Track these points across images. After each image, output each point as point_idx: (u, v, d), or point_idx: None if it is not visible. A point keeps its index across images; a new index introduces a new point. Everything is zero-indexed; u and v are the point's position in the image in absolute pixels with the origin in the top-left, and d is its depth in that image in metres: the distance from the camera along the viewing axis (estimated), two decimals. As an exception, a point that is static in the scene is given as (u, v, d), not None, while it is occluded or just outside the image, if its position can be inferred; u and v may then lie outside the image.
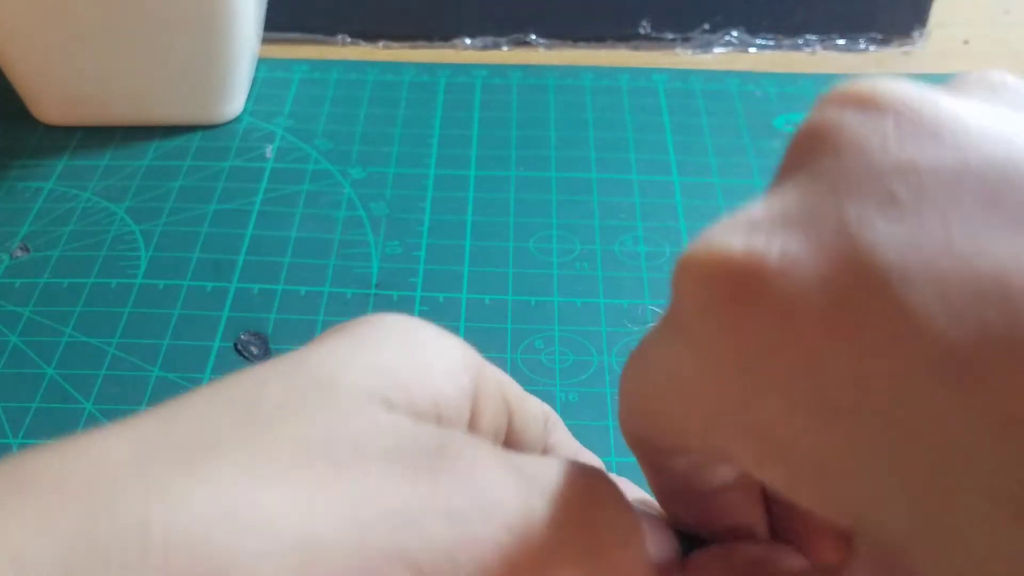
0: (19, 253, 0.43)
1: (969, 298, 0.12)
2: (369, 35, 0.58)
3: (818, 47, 0.58)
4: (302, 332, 0.39)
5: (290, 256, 0.43)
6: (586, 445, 0.25)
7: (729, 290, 0.15)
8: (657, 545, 0.20)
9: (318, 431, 0.16)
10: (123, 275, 0.42)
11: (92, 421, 0.36)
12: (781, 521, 0.22)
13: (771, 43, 0.58)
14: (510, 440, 0.23)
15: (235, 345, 0.39)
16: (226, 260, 0.43)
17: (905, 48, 0.58)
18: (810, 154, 0.16)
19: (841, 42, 0.58)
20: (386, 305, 0.41)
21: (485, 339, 0.39)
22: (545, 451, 0.24)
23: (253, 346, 0.39)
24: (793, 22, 0.58)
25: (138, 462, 0.15)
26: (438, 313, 0.40)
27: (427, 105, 0.53)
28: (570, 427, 0.25)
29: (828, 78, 0.55)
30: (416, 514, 0.16)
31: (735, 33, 0.58)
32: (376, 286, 0.42)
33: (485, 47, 0.58)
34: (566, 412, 0.36)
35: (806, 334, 0.14)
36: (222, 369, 0.38)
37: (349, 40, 0.58)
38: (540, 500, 0.18)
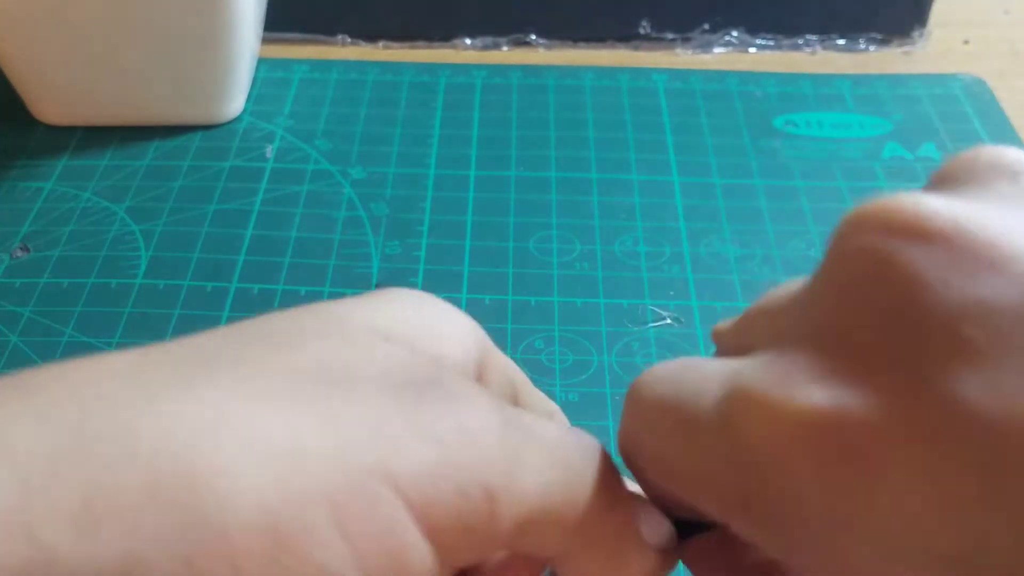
0: (19, 253, 0.43)
1: None
2: (369, 35, 0.58)
3: (818, 47, 0.58)
4: (302, 332, 0.39)
5: (290, 256, 0.43)
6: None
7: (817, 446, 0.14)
8: (652, 528, 0.20)
9: (313, 355, 0.17)
10: (123, 275, 0.42)
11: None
12: None
13: (771, 43, 0.58)
14: None
15: (235, 345, 0.39)
16: (226, 260, 0.43)
17: (905, 48, 0.58)
18: (861, 287, 0.15)
19: (841, 42, 0.58)
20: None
21: (485, 339, 0.39)
22: None
23: (253, 346, 0.39)
24: (793, 22, 0.58)
25: (134, 373, 0.16)
26: (438, 313, 0.40)
27: (427, 105, 0.53)
28: None
29: (828, 78, 0.55)
30: (399, 435, 0.16)
31: (735, 33, 0.58)
32: (376, 286, 0.42)
33: (485, 47, 0.58)
34: (566, 412, 0.36)
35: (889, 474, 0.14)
36: (222, 369, 0.38)
37: (349, 40, 0.58)
38: (528, 447, 0.18)
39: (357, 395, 0.16)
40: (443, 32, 0.58)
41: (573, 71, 0.56)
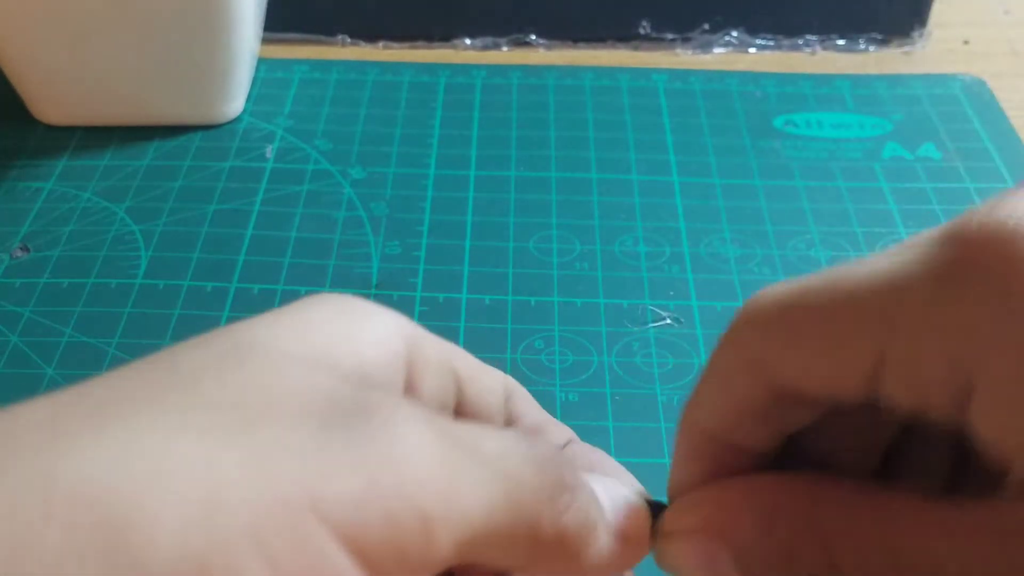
0: (19, 253, 0.43)
1: None
2: (369, 35, 0.58)
3: (818, 47, 0.58)
4: (302, 332, 0.39)
5: (290, 256, 0.43)
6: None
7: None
8: (625, 515, 0.20)
9: (231, 388, 0.16)
10: (123, 275, 0.42)
11: (92, 421, 0.36)
12: None
13: (771, 43, 0.58)
14: (463, 412, 0.22)
15: (235, 345, 0.39)
16: (226, 260, 0.43)
17: (905, 48, 0.58)
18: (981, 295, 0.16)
19: (841, 42, 0.58)
20: (386, 305, 0.41)
21: (485, 339, 0.39)
22: (508, 422, 0.24)
23: (253, 346, 0.39)
24: (793, 22, 0.58)
25: (50, 420, 0.15)
26: (438, 313, 0.40)
27: (427, 105, 0.53)
28: (570, 427, 0.25)
29: (828, 78, 0.55)
30: (324, 464, 0.16)
31: (735, 33, 0.58)
32: (376, 286, 0.42)
33: (485, 47, 0.58)
34: (566, 412, 0.36)
35: None
36: (222, 369, 0.38)
37: (349, 40, 0.58)
38: (468, 462, 0.17)
39: (280, 426, 0.16)
40: (443, 32, 0.58)
41: (573, 71, 0.56)
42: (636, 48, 0.58)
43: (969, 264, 0.17)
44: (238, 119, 0.51)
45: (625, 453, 0.35)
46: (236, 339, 0.18)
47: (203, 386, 0.16)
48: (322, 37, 0.58)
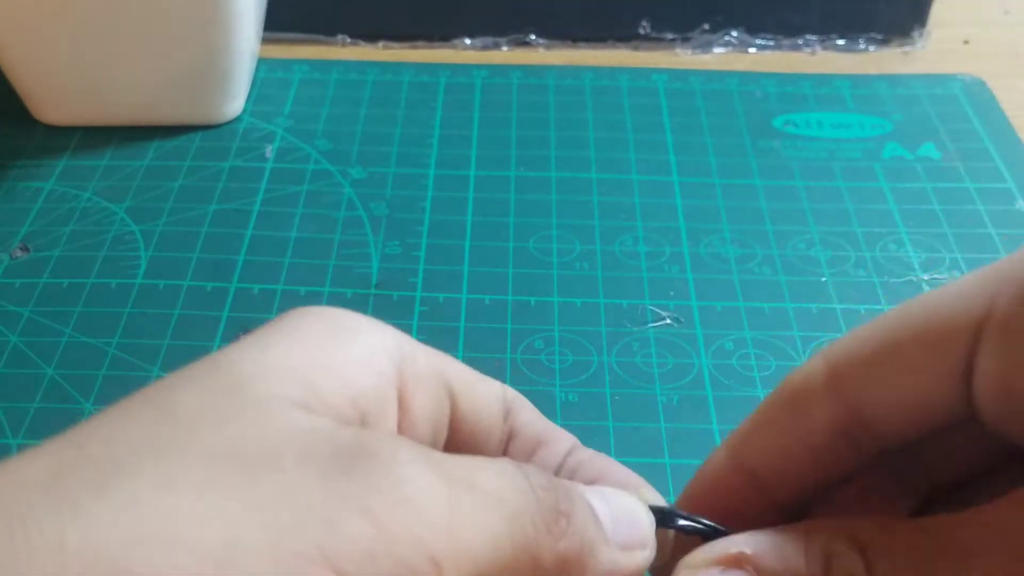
0: (19, 253, 0.43)
1: None
2: (369, 35, 0.58)
3: (818, 47, 0.58)
4: (302, 332, 0.39)
5: (290, 256, 0.43)
6: (587, 447, 0.25)
7: None
8: (627, 525, 0.20)
9: (230, 439, 0.16)
10: (123, 275, 0.42)
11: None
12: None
13: (771, 43, 0.58)
14: (458, 427, 0.22)
15: (235, 345, 0.39)
16: (226, 260, 0.43)
17: (905, 48, 0.58)
18: None
19: (841, 42, 0.58)
20: (386, 305, 0.41)
21: (485, 339, 0.39)
22: (507, 434, 0.23)
23: (253, 346, 0.39)
24: (793, 22, 0.58)
25: (53, 481, 0.15)
26: (438, 313, 0.40)
27: (427, 105, 0.53)
28: (570, 428, 0.25)
29: (828, 78, 0.55)
30: (333, 514, 0.16)
31: (735, 33, 0.58)
32: (376, 286, 0.42)
33: (485, 47, 0.58)
34: (566, 412, 0.36)
35: None
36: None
37: (349, 40, 0.58)
38: (468, 500, 0.17)
39: (283, 477, 0.16)
40: (443, 32, 0.58)
41: (573, 71, 0.56)
42: (636, 48, 0.58)
43: None
44: (238, 119, 0.51)
45: (625, 453, 0.35)
46: (225, 381, 0.18)
47: (202, 436, 0.16)
48: (322, 37, 0.58)
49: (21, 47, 0.47)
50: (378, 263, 0.43)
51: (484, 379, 0.23)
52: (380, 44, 0.58)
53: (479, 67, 0.56)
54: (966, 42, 0.59)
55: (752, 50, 0.58)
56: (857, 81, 0.55)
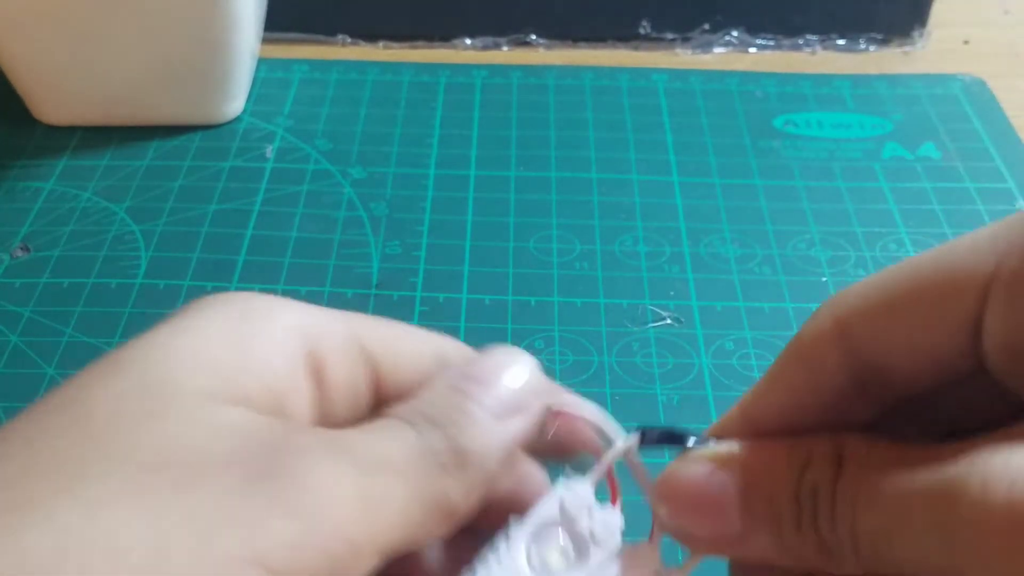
0: (19, 253, 0.43)
1: None
2: (369, 35, 0.58)
3: (818, 47, 0.58)
4: (302, 332, 0.39)
5: (290, 256, 0.43)
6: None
7: None
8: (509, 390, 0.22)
9: (151, 446, 0.17)
10: (123, 275, 0.42)
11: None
12: None
13: (771, 43, 0.58)
14: (385, 388, 0.23)
15: (235, 345, 0.39)
16: (226, 260, 0.43)
17: (905, 48, 0.58)
18: None
19: (841, 42, 0.58)
20: (386, 305, 0.41)
21: (485, 339, 0.39)
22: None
23: (253, 346, 0.39)
24: (793, 22, 0.58)
25: None
26: (438, 313, 0.40)
27: (427, 105, 0.53)
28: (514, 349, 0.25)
29: (828, 78, 0.55)
30: (257, 514, 0.16)
31: (735, 33, 0.58)
32: (376, 286, 0.42)
33: (485, 47, 0.58)
34: (566, 412, 0.36)
35: None
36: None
37: (349, 40, 0.58)
38: (382, 485, 0.18)
39: (208, 480, 0.16)
40: (443, 32, 0.58)
41: (573, 71, 0.56)
42: (636, 48, 0.58)
43: None
44: (238, 119, 0.51)
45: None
46: (144, 375, 0.18)
47: (121, 443, 0.16)
48: (322, 37, 0.58)
49: (22, 47, 0.47)
50: (378, 263, 0.43)
51: (415, 337, 0.24)
52: (380, 44, 0.58)
53: (479, 67, 0.56)
54: (966, 42, 0.59)
55: (752, 50, 0.58)
56: (857, 81, 0.55)
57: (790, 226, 0.45)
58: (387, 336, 0.23)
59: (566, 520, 0.23)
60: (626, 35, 0.58)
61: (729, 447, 0.21)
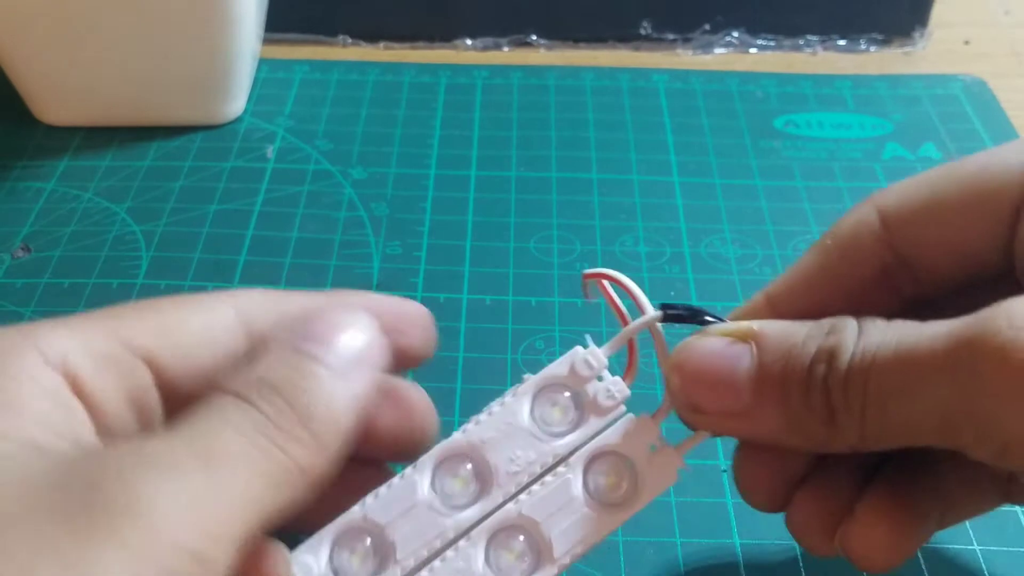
0: (20, 253, 0.43)
1: None
2: (370, 36, 0.58)
3: (819, 47, 0.58)
4: (303, 332, 0.39)
5: (291, 256, 0.43)
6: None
7: None
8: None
9: None
10: (124, 275, 0.42)
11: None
12: None
13: (772, 43, 0.58)
14: (176, 384, 0.22)
15: (236, 345, 0.39)
16: (227, 260, 0.43)
17: (906, 48, 0.58)
18: None
19: (842, 42, 0.58)
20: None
21: (486, 339, 0.39)
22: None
23: (254, 346, 0.39)
24: (794, 22, 0.58)
25: None
26: (439, 313, 0.40)
27: (428, 106, 0.53)
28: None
29: (829, 79, 0.55)
30: (86, 550, 0.16)
31: (736, 34, 0.58)
32: (377, 286, 0.42)
33: (486, 47, 0.58)
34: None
35: None
36: (223, 369, 0.38)
37: (350, 41, 0.58)
38: (210, 473, 0.17)
39: (20, 518, 0.16)
40: (444, 32, 0.58)
41: (574, 71, 0.56)
42: (637, 48, 0.58)
43: None
44: (239, 119, 0.51)
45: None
46: None
47: None
48: (323, 37, 0.58)
49: (22, 47, 0.47)
50: (379, 263, 0.43)
51: (205, 310, 0.23)
52: (381, 44, 0.58)
53: (480, 67, 0.56)
54: (967, 42, 0.59)
55: (753, 50, 0.58)
56: (858, 81, 0.55)
57: (791, 226, 0.45)
58: (167, 325, 0.22)
59: (574, 381, 0.24)
60: (627, 36, 0.58)
61: (747, 325, 0.22)
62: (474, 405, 0.25)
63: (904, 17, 0.58)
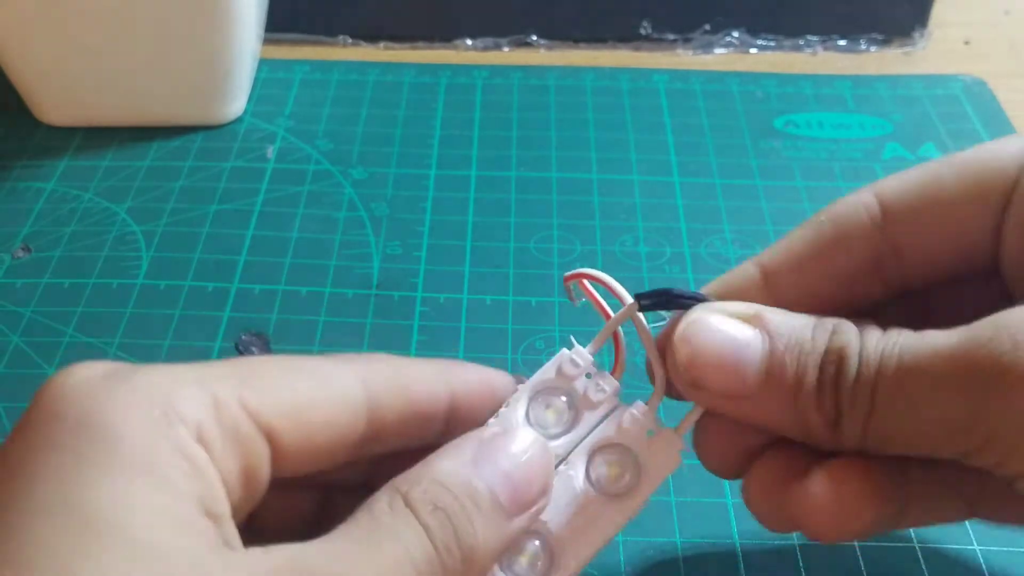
0: (20, 253, 0.43)
1: None
2: (370, 36, 0.58)
3: (819, 48, 0.58)
4: (303, 332, 0.39)
5: (291, 256, 0.43)
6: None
7: None
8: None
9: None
10: (124, 275, 0.42)
11: (93, 421, 0.36)
12: None
13: (772, 44, 0.58)
14: (286, 455, 0.21)
15: (236, 345, 0.39)
16: (227, 260, 0.43)
17: (906, 48, 0.58)
18: None
19: (842, 43, 0.58)
20: (387, 305, 0.41)
21: (486, 339, 0.39)
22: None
23: (254, 346, 0.39)
24: (794, 23, 0.58)
25: None
26: (439, 313, 0.40)
27: (428, 106, 0.53)
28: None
29: (829, 79, 0.55)
30: None
31: (736, 34, 0.58)
32: (377, 286, 0.42)
33: (486, 48, 0.58)
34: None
35: None
36: (223, 369, 0.38)
37: (350, 41, 0.58)
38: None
39: None
40: (444, 33, 0.58)
41: (574, 72, 0.56)
42: (637, 49, 0.58)
43: None
44: (239, 119, 0.51)
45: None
46: (71, 512, 0.17)
47: None
48: (323, 38, 0.58)
49: (23, 47, 0.47)
50: (379, 263, 0.43)
51: (335, 386, 0.22)
52: (381, 45, 0.58)
53: (480, 67, 0.56)
54: (967, 42, 0.59)
55: (753, 51, 0.58)
56: (858, 82, 0.55)
57: (791, 226, 0.45)
58: (294, 403, 0.21)
59: (563, 382, 0.25)
60: (627, 36, 0.58)
61: (755, 309, 0.22)
62: (474, 405, 0.25)
63: (904, 17, 0.58)
